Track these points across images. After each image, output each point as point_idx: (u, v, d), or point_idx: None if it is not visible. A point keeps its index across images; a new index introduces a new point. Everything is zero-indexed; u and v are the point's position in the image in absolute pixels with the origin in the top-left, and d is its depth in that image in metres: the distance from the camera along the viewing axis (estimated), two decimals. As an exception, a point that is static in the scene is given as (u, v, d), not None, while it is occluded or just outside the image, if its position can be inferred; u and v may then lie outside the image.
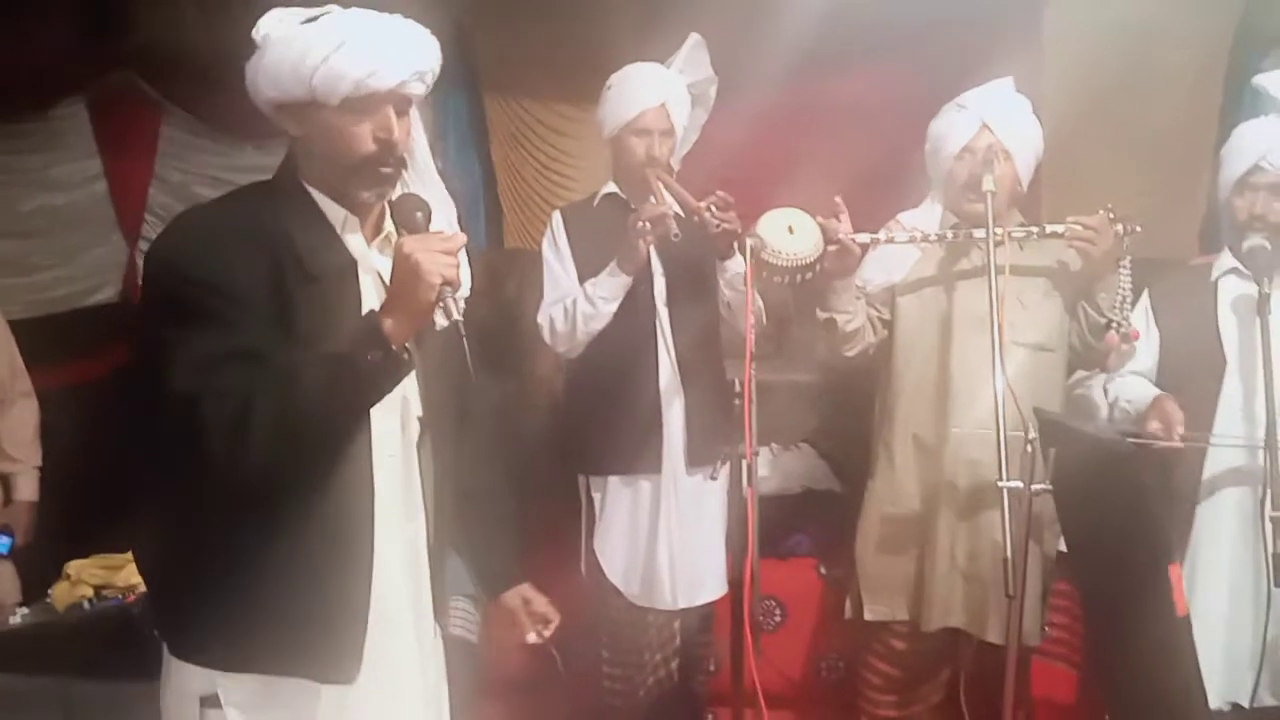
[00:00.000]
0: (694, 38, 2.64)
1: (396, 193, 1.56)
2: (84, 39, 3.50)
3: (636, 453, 2.56)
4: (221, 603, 1.45)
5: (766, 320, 2.66)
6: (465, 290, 1.57)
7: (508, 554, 1.82)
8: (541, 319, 2.59)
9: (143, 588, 2.83)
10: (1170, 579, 1.56)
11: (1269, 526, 1.89)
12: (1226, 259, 2.33)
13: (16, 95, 3.47)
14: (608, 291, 2.49)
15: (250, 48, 1.51)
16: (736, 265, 2.45)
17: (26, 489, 2.90)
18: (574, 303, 2.52)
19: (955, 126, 2.40)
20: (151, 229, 3.83)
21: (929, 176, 2.50)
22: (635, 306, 2.53)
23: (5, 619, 2.59)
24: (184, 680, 1.50)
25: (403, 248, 1.41)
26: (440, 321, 1.45)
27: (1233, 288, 2.30)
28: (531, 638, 1.79)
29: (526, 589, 1.80)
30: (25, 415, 2.90)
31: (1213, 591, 2.20)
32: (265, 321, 1.42)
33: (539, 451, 2.98)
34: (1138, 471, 1.60)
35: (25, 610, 2.61)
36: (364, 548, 1.50)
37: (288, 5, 1.53)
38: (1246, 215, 2.24)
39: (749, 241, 2.27)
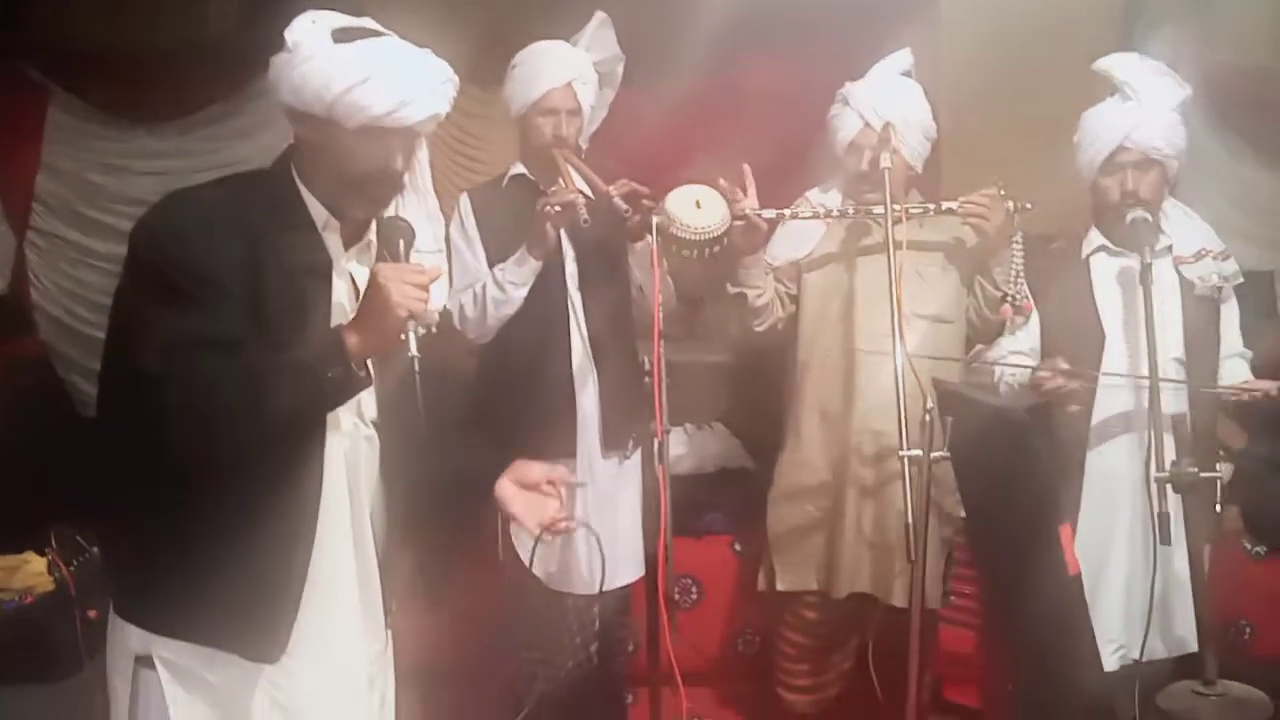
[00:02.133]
0: (599, 16, 2.63)
1: (391, 209, 1.61)
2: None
3: (550, 437, 2.53)
4: (163, 569, 1.51)
5: (677, 301, 2.68)
6: (433, 323, 1.61)
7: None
8: (451, 304, 2.55)
9: (39, 588, 2.75)
10: (1061, 539, 1.62)
11: (1154, 487, 1.97)
12: (1095, 236, 2.42)
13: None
14: (517, 277, 2.47)
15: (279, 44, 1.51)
16: (646, 247, 2.45)
17: None
18: (483, 288, 2.49)
19: (841, 123, 2.47)
20: (41, 219, 3.68)
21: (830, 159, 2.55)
22: (546, 290, 2.52)
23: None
24: (123, 638, 1.56)
25: (378, 275, 1.47)
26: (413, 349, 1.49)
27: (1106, 263, 2.40)
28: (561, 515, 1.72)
29: (518, 464, 1.78)
30: None
31: (1111, 554, 2.29)
32: (240, 310, 1.46)
33: (452, 438, 2.95)
34: (1027, 435, 1.66)
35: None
36: (305, 536, 1.54)
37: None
38: (1119, 194, 2.32)
39: (655, 219, 2.28)
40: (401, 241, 1.56)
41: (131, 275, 1.52)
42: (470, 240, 2.57)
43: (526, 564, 2.49)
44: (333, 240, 1.58)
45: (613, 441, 2.58)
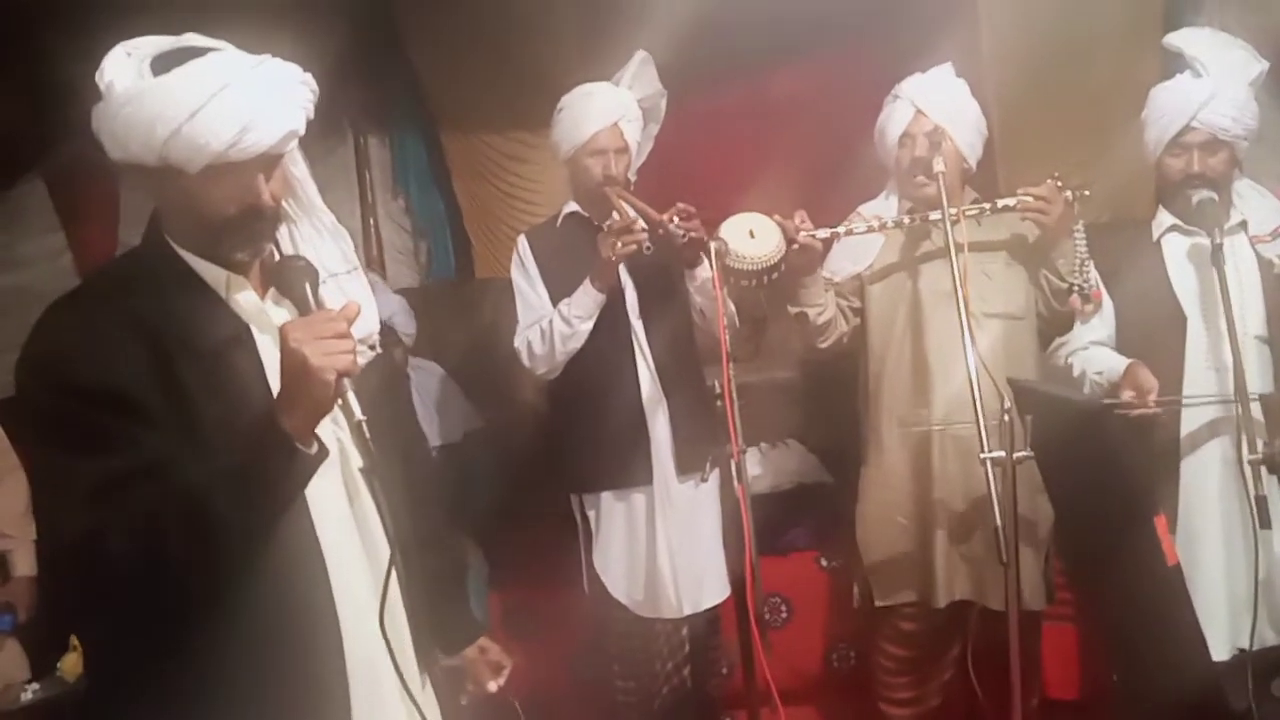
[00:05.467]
0: (641, 54, 2.67)
1: (285, 237, 1.45)
2: (34, 113, 3.48)
3: (625, 466, 2.58)
4: (185, 715, 1.31)
5: (740, 323, 2.70)
6: (374, 334, 1.51)
7: (464, 607, 1.74)
8: (518, 343, 2.60)
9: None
10: (1156, 531, 1.60)
11: (1248, 471, 1.92)
12: (1165, 217, 2.37)
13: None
14: (582, 309, 2.51)
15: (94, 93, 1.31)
16: (704, 272, 2.47)
17: (24, 564, 2.89)
18: (550, 324, 2.54)
19: (892, 115, 2.47)
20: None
21: (884, 167, 2.55)
22: (609, 322, 2.55)
23: (16, 696, 2.57)
24: None
25: (288, 339, 1.25)
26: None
27: (1178, 244, 2.34)
28: (493, 687, 1.70)
29: (483, 639, 1.72)
30: (16, 490, 2.89)
31: (1208, 542, 2.23)
32: (161, 424, 1.27)
33: (530, 476, 3.00)
34: (1110, 427, 1.64)
35: (35, 686, 2.60)
36: (328, 624, 1.36)
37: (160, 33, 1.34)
38: (1183, 174, 2.27)
39: (713, 245, 2.30)
40: (306, 285, 1.36)
41: (27, 421, 1.30)
42: (532, 280, 2.62)
43: (610, 587, 2.55)
44: (242, 298, 1.38)
45: (687, 466, 2.60)
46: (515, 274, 2.66)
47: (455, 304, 3.87)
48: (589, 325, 2.52)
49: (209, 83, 1.28)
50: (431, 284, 3.98)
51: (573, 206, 2.68)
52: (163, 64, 1.31)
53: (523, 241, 2.68)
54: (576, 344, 2.53)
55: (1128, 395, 2.20)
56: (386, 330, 3.01)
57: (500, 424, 3.45)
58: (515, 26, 3.53)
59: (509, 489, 3.14)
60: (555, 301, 2.56)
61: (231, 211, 1.33)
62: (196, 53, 1.32)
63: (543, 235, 2.69)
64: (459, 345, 3.75)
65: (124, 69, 1.30)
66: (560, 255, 2.60)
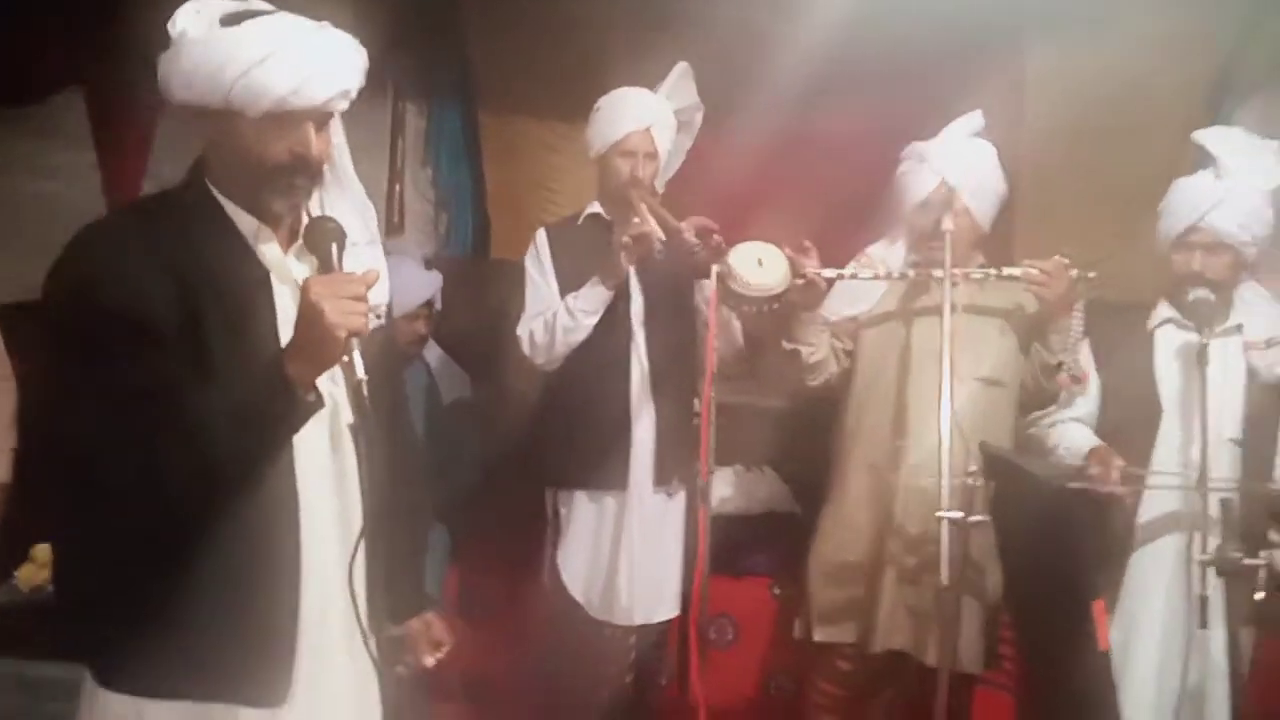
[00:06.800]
0: (681, 66, 2.72)
1: (315, 203, 1.52)
2: (85, 26, 3.53)
3: (603, 469, 2.61)
4: (147, 629, 1.40)
5: (744, 343, 2.72)
6: (383, 304, 1.56)
7: (418, 579, 1.77)
8: (521, 331, 2.64)
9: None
10: (1094, 614, 1.63)
11: (1196, 570, 1.95)
12: (1164, 309, 2.40)
13: (15, 80, 3.50)
14: (588, 304, 2.55)
15: (165, 40, 1.42)
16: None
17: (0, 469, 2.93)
18: (554, 315, 2.57)
19: (914, 180, 2.49)
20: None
21: (894, 213, 2.58)
22: (611, 324, 2.59)
23: (-31, 600, 2.61)
24: (107, 709, 1.45)
25: (309, 292, 1.33)
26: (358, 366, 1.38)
27: (1171, 337, 2.37)
28: (429, 662, 1.74)
29: (429, 614, 1.75)
30: (3, 398, 2.92)
31: (1147, 635, 2.26)
32: (174, 351, 1.37)
33: (510, 462, 3.03)
34: (1069, 507, 1.67)
35: (-10, 591, 2.64)
36: (291, 567, 1.45)
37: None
38: (1185, 271, 2.30)
39: (715, 268, 2.33)
40: (334, 245, 1.43)
41: (50, 328, 1.39)
42: (545, 272, 2.66)
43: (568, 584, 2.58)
44: (268, 249, 1.47)
45: (664, 477, 2.63)
46: (529, 263, 2.70)
47: (466, 280, 3.90)
48: (592, 321, 2.55)
49: (276, 36, 1.40)
50: (445, 257, 4.02)
51: (595, 208, 2.71)
52: (230, 20, 1.41)
53: (542, 234, 2.71)
54: (578, 338, 2.57)
55: (1093, 471, 2.23)
56: (428, 306, 3.07)
57: (488, 403, 3.49)
58: (571, 17, 3.56)
59: (485, 468, 3.17)
60: (564, 296, 2.60)
61: (283, 159, 1.42)
62: (260, 12, 1.44)
63: (562, 231, 2.73)
64: (463, 321, 3.78)
65: (196, 21, 1.41)
66: (576, 254, 2.64)
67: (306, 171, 1.45)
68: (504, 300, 2.88)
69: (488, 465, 3.18)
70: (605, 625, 2.64)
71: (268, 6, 1.46)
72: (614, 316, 2.59)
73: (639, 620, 2.63)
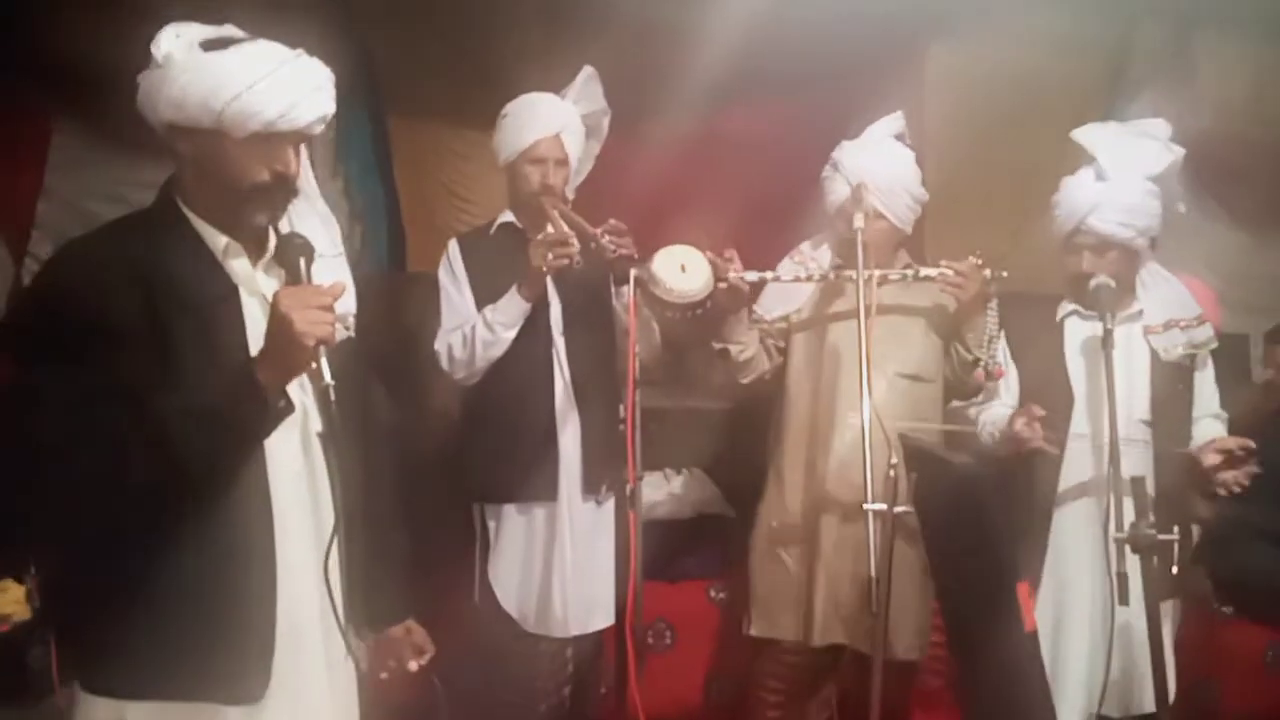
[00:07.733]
0: (587, 70, 2.70)
1: (284, 219, 1.58)
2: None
3: (531, 480, 2.58)
4: (124, 632, 1.46)
5: (663, 347, 2.72)
6: (350, 314, 1.63)
7: (399, 586, 1.81)
8: (439, 346, 2.60)
9: (16, 616, 2.75)
10: (1018, 597, 1.65)
11: (1113, 548, 2.01)
12: (1067, 301, 2.46)
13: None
14: (507, 317, 2.51)
15: (143, 60, 1.50)
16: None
17: None
18: (473, 329, 2.53)
19: (831, 184, 2.53)
20: (38, 245, 3.68)
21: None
22: (532, 334, 2.56)
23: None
24: (90, 712, 1.51)
25: (279, 304, 1.43)
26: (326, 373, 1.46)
27: (1077, 328, 2.44)
28: (413, 666, 1.80)
29: (409, 621, 1.82)
30: None
31: (1076, 614, 2.32)
32: (142, 359, 1.43)
33: (432, 479, 2.97)
34: (988, 493, 1.69)
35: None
36: (266, 566, 1.51)
37: (183, 15, 1.53)
38: (1076, 271, 2.36)
39: (633, 272, 2.33)
40: (302, 260, 1.52)
41: (25, 337, 1.49)
42: (459, 283, 2.62)
43: (501, 599, 2.54)
44: (237, 264, 1.55)
45: (593, 486, 2.62)
46: (443, 275, 2.65)
47: (383, 295, 3.82)
48: (512, 334, 2.52)
49: (266, 62, 1.50)
50: (363, 271, 3.92)
51: (508, 216, 2.68)
52: (211, 45, 1.50)
53: (454, 245, 2.67)
54: (498, 352, 2.53)
55: (1018, 424, 2.27)
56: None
57: (409, 420, 3.42)
58: (474, 22, 3.52)
59: (407, 486, 3.10)
60: (481, 309, 2.56)
61: (265, 177, 1.51)
62: (240, 39, 1.53)
63: (476, 242, 2.69)
64: (381, 336, 3.70)
65: (177, 45, 1.49)
66: (490, 264, 2.60)
67: (284, 189, 1.54)
68: (424, 315, 2.82)
69: (409, 481, 3.11)
70: (540, 639, 2.61)
71: (242, 33, 1.55)
72: (534, 325, 2.56)
73: (574, 631, 2.61)
